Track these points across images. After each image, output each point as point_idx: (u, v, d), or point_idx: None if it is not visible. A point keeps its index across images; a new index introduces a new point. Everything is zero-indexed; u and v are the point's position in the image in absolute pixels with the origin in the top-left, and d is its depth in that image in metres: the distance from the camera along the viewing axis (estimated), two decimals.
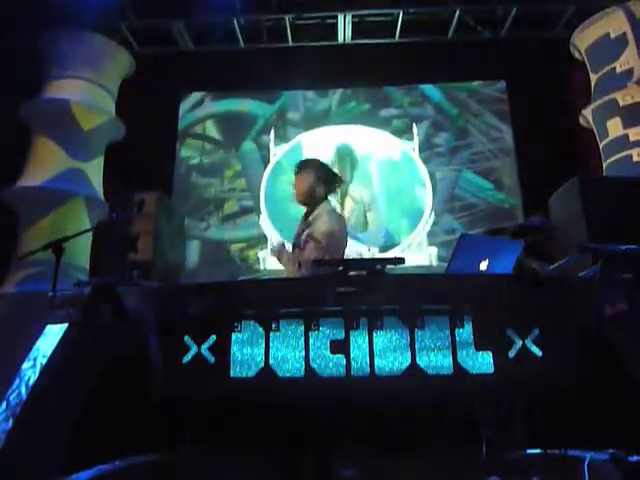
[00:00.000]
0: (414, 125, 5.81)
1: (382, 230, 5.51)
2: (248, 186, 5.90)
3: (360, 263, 1.84)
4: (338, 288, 1.70)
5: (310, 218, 2.51)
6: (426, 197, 5.57)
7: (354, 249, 5.38)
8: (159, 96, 5.71)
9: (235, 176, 5.97)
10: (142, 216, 3.05)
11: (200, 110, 6.19)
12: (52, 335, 1.87)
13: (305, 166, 2.58)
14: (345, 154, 5.86)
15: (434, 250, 5.39)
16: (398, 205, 5.58)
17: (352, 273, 1.72)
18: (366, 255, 5.34)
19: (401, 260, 1.68)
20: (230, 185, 5.95)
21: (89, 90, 5.23)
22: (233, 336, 1.77)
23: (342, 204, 5.57)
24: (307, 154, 5.78)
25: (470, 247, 1.99)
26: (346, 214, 5.52)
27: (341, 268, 1.70)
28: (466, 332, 1.70)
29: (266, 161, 5.93)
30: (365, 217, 5.58)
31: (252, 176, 5.91)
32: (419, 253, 5.41)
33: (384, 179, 5.67)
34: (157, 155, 5.54)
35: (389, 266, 1.69)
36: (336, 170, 2.73)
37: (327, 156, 5.71)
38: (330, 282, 1.71)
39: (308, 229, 2.46)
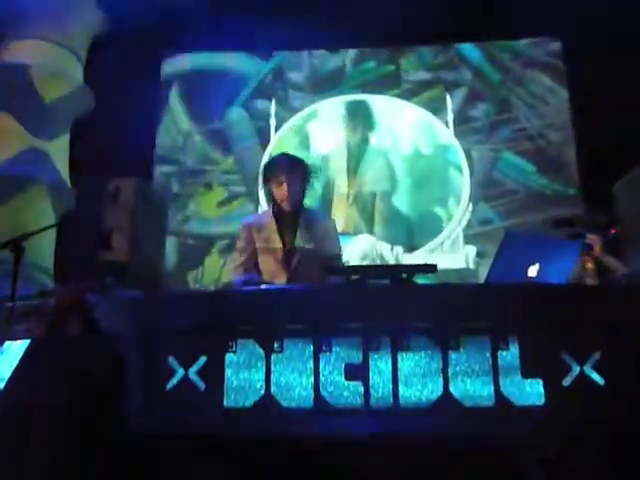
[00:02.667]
0: (448, 95, 5.75)
1: (403, 225, 5.49)
2: (238, 166, 5.84)
3: (382, 270, 1.83)
4: (355, 300, 1.69)
5: (302, 226, 2.70)
6: (463, 183, 5.53)
7: (374, 247, 5.37)
8: (136, 59, 5.68)
9: (219, 152, 5.91)
10: (117, 207, 3.05)
11: (172, 66, 6.10)
12: (11, 354, 1.88)
13: (302, 166, 2.74)
14: (357, 124, 5.82)
15: (472, 250, 5.35)
16: (427, 194, 5.56)
17: (372, 282, 1.70)
18: (388, 256, 5.33)
19: (432, 268, 1.67)
20: (212, 165, 5.91)
21: (52, 53, 5.22)
22: (227, 357, 1.77)
23: (347, 195, 5.56)
24: (324, 127, 5.75)
25: (517, 247, 1.97)
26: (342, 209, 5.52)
27: (358, 276, 1.69)
28: (511, 355, 1.69)
29: (264, 134, 5.86)
30: (377, 209, 5.56)
31: (244, 153, 5.85)
32: (454, 253, 5.38)
33: (409, 161, 5.64)
34: (135, 132, 5.53)
35: (417, 274, 1.68)
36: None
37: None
38: (345, 293, 1.70)
39: (308, 242, 2.65)
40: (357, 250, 5.40)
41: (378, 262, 5.30)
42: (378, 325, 1.71)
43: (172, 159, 5.89)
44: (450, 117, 5.68)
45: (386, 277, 1.70)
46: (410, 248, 5.41)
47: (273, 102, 5.93)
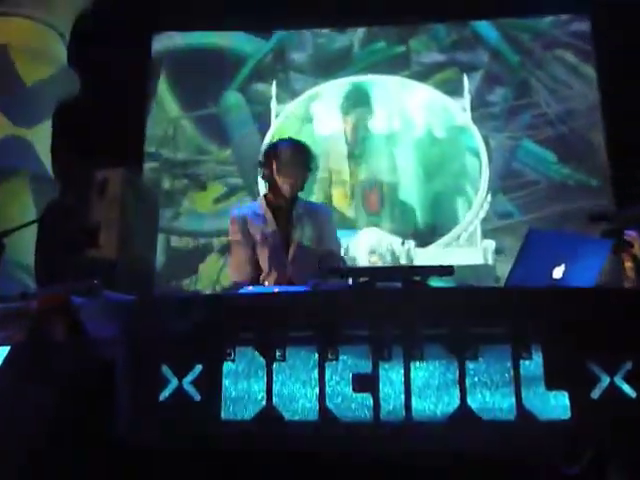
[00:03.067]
0: (465, 76, 5.71)
1: (415, 216, 5.47)
2: (235, 156, 5.81)
3: (393, 272, 1.82)
4: (364, 305, 1.68)
5: (298, 219, 2.77)
6: (482, 170, 5.51)
7: (383, 241, 5.35)
8: (125, 39, 5.67)
9: (213, 142, 5.88)
10: (104, 200, 3.04)
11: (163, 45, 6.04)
12: None
13: (306, 153, 2.80)
14: (361, 107, 5.79)
15: (490, 244, 5.34)
16: (441, 181, 5.54)
17: (382, 286, 1.69)
18: (399, 251, 5.32)
19: (449, 270, 1.66)
20: (206, 156, 5.87)
21: (33, 32, 5.19)
22: (225, 366, 1.76)
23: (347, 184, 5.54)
24: (326, 111, 5.73)
25: (541, 247, 1.97)
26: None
27: (367, 278, 1.68)
28: (534, 364, 1.68)
29: (263, 120, 5.83)
30: (384, 199, 5.54)
31: (241, 141, 5.83)
32: (471, 248, 5.37)
33: (421, 146, 5.62)
34: (124, 119, 5.51)
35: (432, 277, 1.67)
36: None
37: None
38: (353, 297, 1.69)
39: (305, 237, 2.72)
40: (364, 245, 5.39)
41: (388, 258, 5.28)
42: (389, 332, 1.70)
43: (161, 152, 5.86)
44: (467, 100, 5.66)
45: (397, 279, 1.68)
46: (423, 242, 5.40)
47: (274, 85, 5.91)
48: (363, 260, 5.31)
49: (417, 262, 5.31)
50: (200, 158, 5.91)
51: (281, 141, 2.89)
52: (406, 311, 1.70)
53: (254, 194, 5.56)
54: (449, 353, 1.70)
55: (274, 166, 2.74)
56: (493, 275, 5.24)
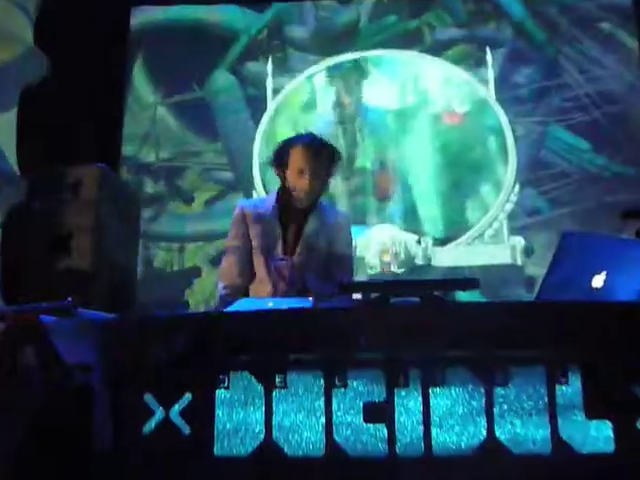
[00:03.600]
0: (489, 52, 5.68)
1: (432, 209, 5.46)
2: (225, 146, 5.80)
3: (409, 286, 1.80)
4: (376, 323, 1.67)
5: (311, 223, 2.75)
6: (509, 158, 5.48)
7: (397, 239, 5.33)
8: (98, 14, 5.64)
9: (199, 131, 5.86)
10: (78, 202, 3.02)
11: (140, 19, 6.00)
12: None
13: (331, 155, 2.78)
14: (365, 84, 5.76)
15: (519, 242, 5.30)
16: (461, 168, 5.52)
17: (397, 301, 1.69)
18: (415, 250, 5.29)
19: (473, 283, 1.64)
20: (190, 147, 5.83)
21: None
22: (218, 394, 1.76)
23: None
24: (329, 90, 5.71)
25: (578, 252, 1.96)
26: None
27: (380, 293, 1.67)
28: (572, 390, 1.67)
29: (257, 105, 5.81)
30: (393, 189, 5.51)
31: (232, 129, 5.81)
32: (497, 245, 5.34)
33: (437, 130, 5.60)
34: (99, 108, 5.49)
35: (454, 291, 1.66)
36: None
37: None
38: (364, 315, 1.68)
39: (315, 243, 2.71)
40: (376, 243, 5.37)
41: (402, 257, 5.27)
42: (405, 354, 1.70)
43: (139, 155, 5.82)
44: (491, 78, 5.63)
45: (415, 294, 1.67)
46: (442, 240, 5.37)
47: (269, 64, 5.89)
48: (374, 260, 5.31)
49: (436, 262, 5.29)
50: (185, 153, 5.86)
51: (297, 138, 2.83)
52: (425, 330, 1.68)
53: (249, 192, 5.54)
54: (475, 378, 1.69)
55: (291, 167, 2.71)
56: (522, 276, 5.22)
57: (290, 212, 2.78)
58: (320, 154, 2.73)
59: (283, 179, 2.76)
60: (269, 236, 2.74)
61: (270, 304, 2.21)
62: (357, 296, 1.88)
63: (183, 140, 5.85)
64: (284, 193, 2.78)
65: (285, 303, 2.10)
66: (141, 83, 5.96)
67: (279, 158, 2.77)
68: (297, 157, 2.70)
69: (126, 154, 5.72)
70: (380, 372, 1.70)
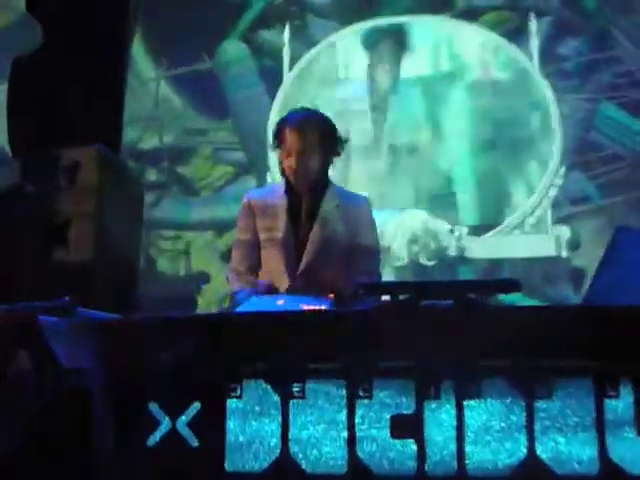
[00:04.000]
0: (532, 20, 5.62)
1: (466, 194, 5.43)
2: (236, 124, 5.79)
3: (442, 288, 1.79)
4: (405, 328, 1.67)
5: (324, 208, 2.75)
6: (554, 140, 5.43)
7: (427, 227, 5.32)
8: None
9: (207, 107, 5.83)
10: (75, 188, 3.04)
11: None
12: None
13: (323, 129, 2.74)
14: (393, 53, 5.73)
15: (564, 232, 5.26)
16: (500, 149, 5.48)
17: (429, 304, 1.69)
18: (447, 240, 5.28)
19: (514, 286, 1.63)
20: (197, 125, 5.82)
21: None
22: (229, 404, 1.77)
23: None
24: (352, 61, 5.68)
25: (632, 250, 1.95)
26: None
27: (409, 295, 1.67)
28: (622, 404, 1.66)
29: (272, 78, 5.79)
30: (422, 170, 5.48)
31: (245, 104, 5.80)
32: (539, 235, 5.31)
33: (473, 109, 5.57)
34: (98, 81, 5.50)
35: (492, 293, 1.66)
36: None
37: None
38: (392, 319, 1.68)
39: (331, 233, 2.70)
40: (403, 232, 5.36)
41: (432, 248, 5.26)
42: (437, 362, 1.70)
43: (140, 141, 5.82)
44: (534, 47, 5.57)
45: (448, 296, 1.67)
46: (477, 228, 5.35)
47: (286, 32, 5.87)
48: (401, 251, 5.30)
49: (470, 253, 5.27)
50: (191, 132, 5.87)
51: (289, 115, 2.83)
52: (459, 337, 1.68)
53: (262, 175, 5.54)
54: (514, 389, 1.69)
55: (282, 148, 2.73)
56: (568, 271, 5.20)
57: (298, 200, 2.78)
58: (308, 130, 2.71)
59: (281, 163, 2.79)
60: (279, 227, 2.75)
61: (280, 302, 2.22)
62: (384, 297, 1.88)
63: (189, 119, 5.86)
64: (287, 181, 2.80)
65: (300, 302, 2.11)
66: (140, 55, 5.96)
67: (274, 141, 2.79)
68: (286, 137, 2.71)
69: (126, 138, 5.74)
70: (409, 382, 1.70)
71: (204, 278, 5.48)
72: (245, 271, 2.80)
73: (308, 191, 2.76)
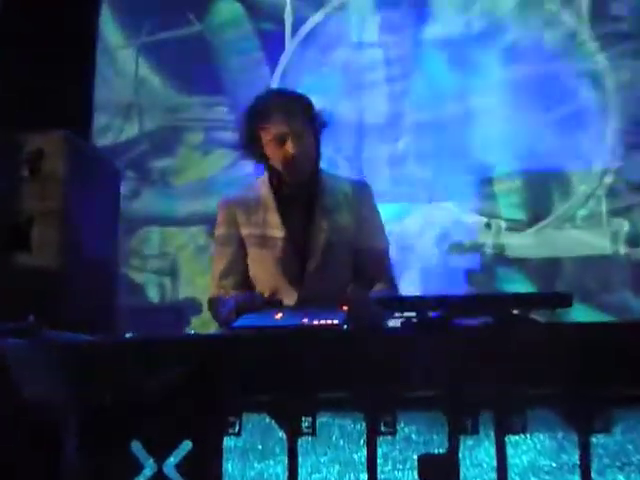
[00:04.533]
0: None
1: (505, 182, 5.43)
2: (230, 99, 5.78)
3: (478, 302, 1.79)
4: (434, 351, 1.68)
5: (328, 200, 2.79)
6: (609, 115, 5.42)
7: (459, 221, 5.30)
8: None
9: (194, 80, 5.84)
10: (39, 179, 3.04)
11: None
12: None
13: (313, 110, 2.80)
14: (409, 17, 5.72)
15: (623, 226, 5.25)
16: (545, 131, 5.46)
17: (463, 322, 1.68)
18: (484, 236, 5.26)
19: (564, 300, 1.64)
20: (185, 97, 5.85)
21: None
22: (226, 442, 1.78)
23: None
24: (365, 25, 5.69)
25: None
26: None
27: (440, 312, 1.67)
28: None
29: (273, 43, 5.79)
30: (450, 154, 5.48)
31: (240, 75, 5.81)
32: (592, 230, 5.29)
33: (512, 80, 5.56)
34: (64, 56, 5.54)
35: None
36: None
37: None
38: (418, 340, 1.68)
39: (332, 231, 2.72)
40: (430, 227, 5.35)
41: (466, 246, 5.25)
42: (473, 391, 1.70)
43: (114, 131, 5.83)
44: (584, 5, 5.55)
45: (486, 312, 1.67)
46: (519, 223, 5.34)
47: None
48: (427, 250, 5.29)
49: (510, 252, 5.26)
50: (176, 111, 5.88)
51: (271, 95, 2.91)
52: (499, 360, 1.68)
53: None
54: (566, 423, 1.69)
55: (267, 136, 2.73)
56: (627, 272, 5.18)
57: (288, 194, 2.81)
58: (298, 110, 2.76)
59: (265, 160, 2.80)
60: (270, 222, 2.78)
61: (278, 315, 2.19)
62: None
63: (172, 97, 5.87)
64: (272, 174, 2.82)
65: (305, 316, 2.08)
66: (109, 22, 5.98)
67: (249, 134, 2.79)
68: (272, 120, 2.71)
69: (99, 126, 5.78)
70: (440, 414, 1.71)
71: (194, 307, 5.47)
72: (227, 267, 2.83)
73: (307, 181, 2.79)
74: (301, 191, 2.81)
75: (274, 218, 2.77)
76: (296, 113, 2.74)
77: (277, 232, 2.75)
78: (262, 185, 2.86)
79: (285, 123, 2.70)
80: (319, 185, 2.83)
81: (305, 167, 2.76)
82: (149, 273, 5.66)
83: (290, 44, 5.80)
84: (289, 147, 2.69)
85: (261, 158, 2.80)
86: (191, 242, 5.66)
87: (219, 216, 2.89)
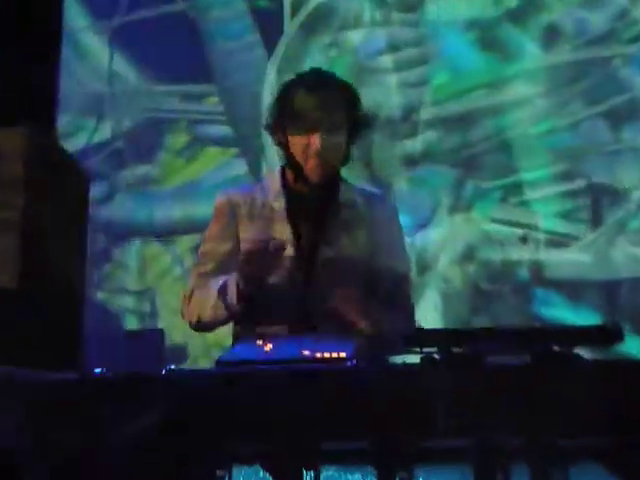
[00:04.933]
0: None
1: (543, 187, 5.45)
2: (219, 89, 5.84)
3: (516, 338, 1.79)
4: (459, 394, 1.68)
5: (345, 210, 2.81)
6: None
7: (488, 235, 5.29)
8: None
9: (177, 67, 5.88)
10: None
11: None
12: None
13: (354, 101, 2.82)
14: None
15: None
16: (593, 129, 5.48)
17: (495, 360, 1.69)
18: (517, 252, 5.25)
19: (615, 335, 1.64)
20: (166, 87, 5.87)
21: None
22: None
23: None
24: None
25: None
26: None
27: (469, 348, 1.67)
28: None
29: (271, 24, 5.81)
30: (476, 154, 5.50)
31: (231, 61, 5.84)
32: None
33: (551, 67, 5.58)
34: (24, 40, 5.58)
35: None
36: None
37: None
38: (440, 380, 1.69)
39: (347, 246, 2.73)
40: (454, 243, 5.35)
41: (497, 265, 5.24)
42: (505, 440, 1.69)
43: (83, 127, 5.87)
44: None
45: (522, 349, 1.67)
46: (562, 237, 5.32)
47: None
48: (450, 271, 5.29)
49: (551, 273, 5.24)
50: (156, 105, 5.93)
51: (306, 77, 2.86)
52: (537, 404, 1.68)
53: (255, 157, 5.58)
54: (614, 476, 1.70)
55: (293, 126, 2.74)
56: None
57: (301, 196, 2.81)
58: (333, 99, 2.75)
59: (286, 148, 2.80)
60: (271, 232, 2.78)
61: (268, 347, 2.17)
62: None
63: (152, 86, 5.90)
64: (291, 171, 2.81)
65: (307, 346, 2.06)
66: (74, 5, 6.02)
67: (274, 115, 2.81)
68: (296, 112, 2.72)
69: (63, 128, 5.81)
70: (465, 467, 1.71)
71: (181, 353, 5.46)
72: (211, 271, 2.85)
73: (324, 184, 2.78)
74: (316, 194, 2.80)
75: (284, 230, 2.76)
76: (331, 101, 2.74)
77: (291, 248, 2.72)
78: (272, 182, 2.87)
79: (319, 110, 2.70)
80: (337, 193, 2.83)
81: (328, 166, 2.76)
82: (125, 296, 5.68)
83: (290, 25, 5.83)
84: (316, 138, 2.69)
85: (280, 142, 2.81)
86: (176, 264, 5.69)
87: (215, 211, 2.91)
